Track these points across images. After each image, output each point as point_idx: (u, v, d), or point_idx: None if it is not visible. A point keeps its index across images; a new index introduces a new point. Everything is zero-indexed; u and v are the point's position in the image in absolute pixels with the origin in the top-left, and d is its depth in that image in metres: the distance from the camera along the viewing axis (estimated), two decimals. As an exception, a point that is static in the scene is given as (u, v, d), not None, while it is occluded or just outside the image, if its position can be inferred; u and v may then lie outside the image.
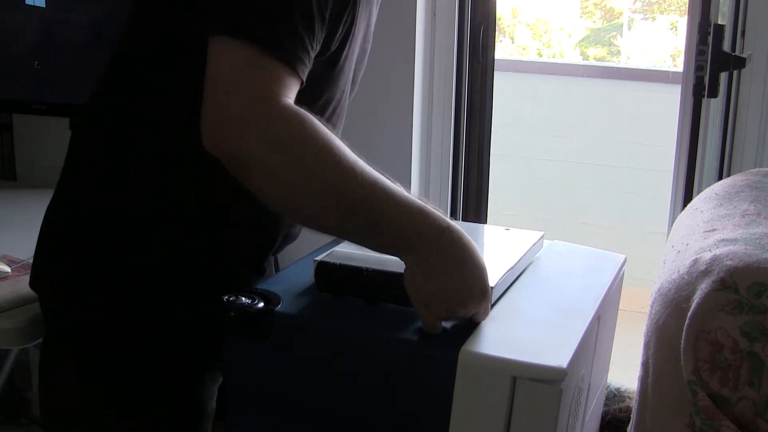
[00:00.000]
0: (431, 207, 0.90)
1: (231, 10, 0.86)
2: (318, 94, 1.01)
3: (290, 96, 0.86)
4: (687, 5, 1.43)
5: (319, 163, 0.85)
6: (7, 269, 1.37)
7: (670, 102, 1.95)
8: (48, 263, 1.09)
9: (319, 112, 1.02)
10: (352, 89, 1.13)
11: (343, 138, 1.14)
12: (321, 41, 0.92)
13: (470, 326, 0.90)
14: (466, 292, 0.89)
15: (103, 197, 1.03)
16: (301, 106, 0.86)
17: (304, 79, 0.89)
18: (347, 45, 0.99)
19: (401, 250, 0.88)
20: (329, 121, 1.05)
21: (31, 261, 1.43)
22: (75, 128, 1.10)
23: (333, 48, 0.96)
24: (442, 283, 0.88)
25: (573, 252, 1.17)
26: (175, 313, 1.03)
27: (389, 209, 0.87)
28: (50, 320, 1.10)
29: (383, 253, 0.90)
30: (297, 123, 0.84)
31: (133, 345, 1.03)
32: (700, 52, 1.39)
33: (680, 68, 1.50)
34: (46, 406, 1.10)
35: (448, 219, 0.90)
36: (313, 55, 0.90)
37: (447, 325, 0.90)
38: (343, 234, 0.91)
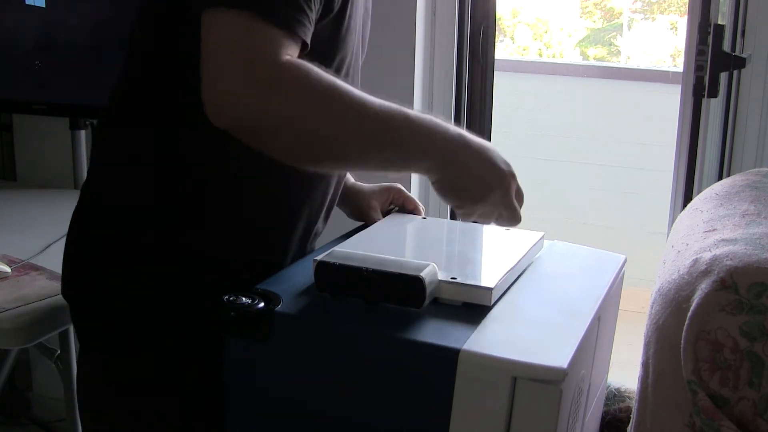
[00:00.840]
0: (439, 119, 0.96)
1: None
2: (331, 57, 1.01)
3: (292, 55, 0.86)
4: (687, 5, 1.43)
5: (334, 105, 0.87)
6: (7, 269, 1.37)
7: (670, 102, 1.95)
8: (76, 272, 1.08)
9: (338, 70, 1.03)
10: (362, 51, 1.13)
11: None
12: (322, 3, 0.92)
13: (471, 326, 0.90)
14: (495, 173, 0.99)
15: (131, 199, 1.02)
16: None
17: (308, 41, 0.89)
18: (349, 3, 0.99)
19: (427, 157, 0.94)
20: (346, 80, 1.06)
21: (31, 261, 1.43)
22: (97, 132, 1.09)
23: (336, 8, 0.96)
24: (476, 174, 0.98)
25: (573, 252, 1.17)
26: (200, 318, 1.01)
27: (409, 124, 0.92)
28: (82, 331, 1.09)
29: (410, 169, 0.98)
30: (302, 73, 0.85)
31: (166, 353, 1.02)
32: (700, 52, 1.39)
33: (680, 68, 1.50)
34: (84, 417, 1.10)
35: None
36: (313, 16, 0.90)
37: (448, 325, 0.90)
38: (367, 162, 0.94)
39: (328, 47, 0.99)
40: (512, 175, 1.02)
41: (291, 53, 0.86)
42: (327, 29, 0.96)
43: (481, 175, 0.99)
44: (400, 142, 0.92)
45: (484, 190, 0.99)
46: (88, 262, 1.05)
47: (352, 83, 1.08)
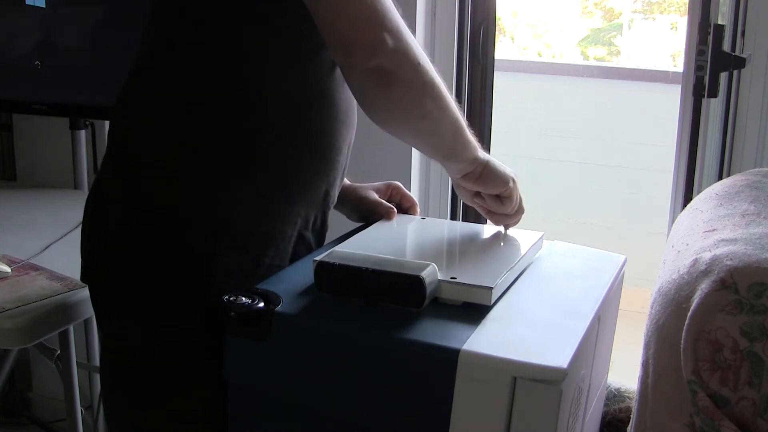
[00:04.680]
0: None
1: None
2: None
3: None
4: (687, 5, 1.43)
5: (429, 68, 0.98)
6: (7, 269, 1.37)
7: (670, 102, 1.95)
8: (101, 269, 1.08)
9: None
10: None
11: (344, 138, 1.14)
12: None
13: (471, 326, 0.90)
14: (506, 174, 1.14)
15: (155, 196, 1.02)
16: None
17: None
18: None
19: (475, 144, 1.09)
20: None
21: (31, 261, 1.43)
22: (112, 126, 1.09)
23: None
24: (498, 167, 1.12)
25: (573, 252, 1.17)
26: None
27: (461, 120, 1.06)
28: (108, 331, 1.09)
29: (464, 154, 1.08)
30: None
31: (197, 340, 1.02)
32: (700, 52, 1.39)
33: (680, 68, 1.50)
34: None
35: None
36: None
37: (448, 325, 0.90)
38: (445, 134, 1.05)
39: None
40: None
41: None
42: None
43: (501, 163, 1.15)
44: (463, 125, 1.06)
45: (507, 173, 1.14)
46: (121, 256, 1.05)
47: None
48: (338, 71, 1.04)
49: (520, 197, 1.17)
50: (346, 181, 1.27)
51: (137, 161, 1.03)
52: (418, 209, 1.30)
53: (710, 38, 1.38)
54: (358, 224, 1.25)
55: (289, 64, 1.01)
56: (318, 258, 0.97)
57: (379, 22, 0.91)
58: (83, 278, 1.09)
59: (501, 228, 1.19)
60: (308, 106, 1.04)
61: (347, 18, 0.92)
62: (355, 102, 1.07)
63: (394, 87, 0.94)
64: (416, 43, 0.96)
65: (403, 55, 0.93)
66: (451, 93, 1.92)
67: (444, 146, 1.08)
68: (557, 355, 0.83)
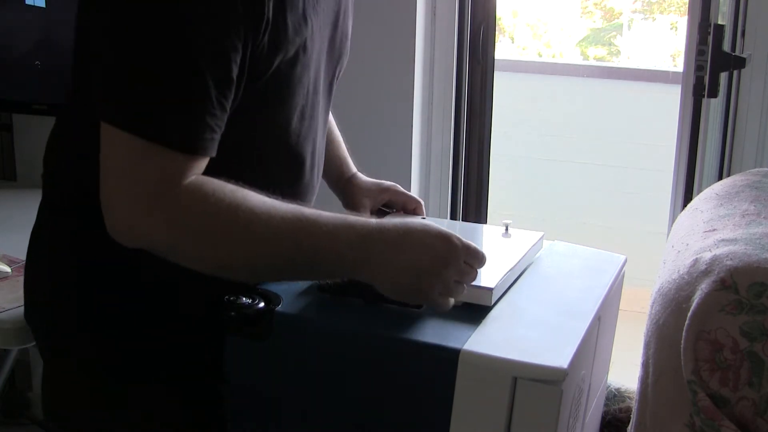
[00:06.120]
0: (352, 215, 0.90)
1: (117, 96, 0.83)
2: (279, 109, 0.98)
3: (191, 174, 0.85)
4: (687, 5, 1.43)
5: (234, 235, 0.86)
6: (7, 269, 1.37)
7: (670, 102, 1.95)
8: (45, 295, 1.07)
9: (288, 116, 0.99)
10: (340, 64, 1.11)
11: (342, 134, 1.11)
12: (233, 90, 0.87)
13: (471, 326, 0.90)
14: (435, 256, 0.88)
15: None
16: (265, 123, 0.89)
17: (214, 153, 0.87)
18: (281, 52, 0.92)
19: (356, 267, 0.89)
20: (302, 120, 1.02)
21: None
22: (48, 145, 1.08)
23: (275, 63, 0.92)
24: (412, 267, 0.87)
25: (573, 252, 1.17)
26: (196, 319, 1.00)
27: (320, 241, 0.87)
28: (55, 345, 1.07)
29: (339, 278, 0.93)
30: (199, 202, 0.85)
31: (159, 366, 1.01)
32: (700, 52, 1.39)
33: (680, 68, 1.50)
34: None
35: (369, 220, 0.91)
36: (222, 117, 0.87)
37: (448, 325, 0.90)
38: (289, 278, 0.95)
39: (276, 95, 0.96)
40: (447, 249, 0.89)
41: (190, 171, 0.85)
42: (273, 85, 0.94)
43: (411, 262, 0.88)
44: (310, 258, 0.88)
45: (421, 277, 0.88)
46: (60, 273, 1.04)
47: (313, 113, 1.03)
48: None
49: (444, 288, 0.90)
50: (352, 167, 1.25)
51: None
52: (424, 209, 1.29)
53: (710, 38, 1.38)
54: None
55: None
56: (318, 258, 0.97)
57: (127, 212, 0.84)
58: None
59: (501, 228, 1.19)
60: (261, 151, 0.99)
61: (101, 193, 0.85)
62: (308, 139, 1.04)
63: (163, 254, 0.88)
64: (203, 211, 0.85)
65: (156, 235, 0.85)
66: (450, 93, 1.91)
67: (293, 279, 0.96)
68: (557, 356, 0.83)
